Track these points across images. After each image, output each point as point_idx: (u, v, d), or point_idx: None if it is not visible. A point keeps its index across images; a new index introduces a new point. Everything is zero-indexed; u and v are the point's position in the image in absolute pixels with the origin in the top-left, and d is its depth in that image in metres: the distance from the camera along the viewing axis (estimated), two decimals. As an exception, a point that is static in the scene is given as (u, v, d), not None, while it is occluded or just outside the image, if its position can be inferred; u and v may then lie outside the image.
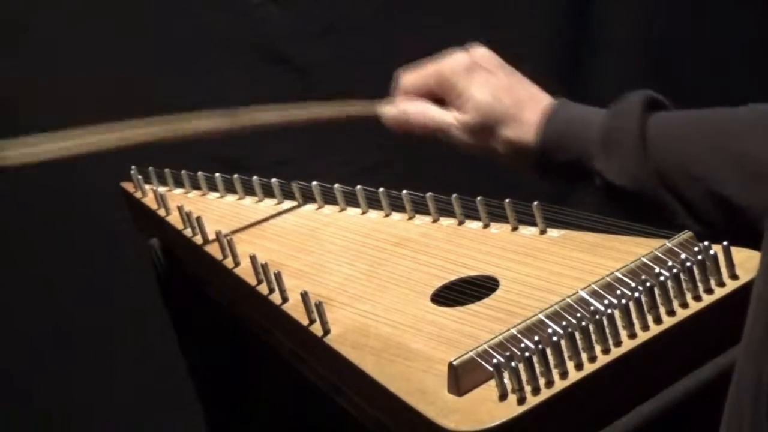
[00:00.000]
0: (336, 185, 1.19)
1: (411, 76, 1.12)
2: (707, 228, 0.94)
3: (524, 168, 1.07)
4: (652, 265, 0.89)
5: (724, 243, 0.89)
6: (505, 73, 1.09)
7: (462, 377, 0.82)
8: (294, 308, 1.00)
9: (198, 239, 1.16)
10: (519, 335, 0.84)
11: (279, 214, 1.21)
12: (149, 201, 1.26)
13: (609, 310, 0.84)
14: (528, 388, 0.81)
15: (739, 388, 0.63)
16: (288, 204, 1.23)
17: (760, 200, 0.88)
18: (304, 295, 0.97)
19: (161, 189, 1.27)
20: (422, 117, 1.09)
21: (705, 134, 0.95)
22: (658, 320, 0.85)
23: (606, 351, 0.83)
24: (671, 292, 0.86)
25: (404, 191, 1.14)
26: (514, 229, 1.06)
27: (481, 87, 1.07)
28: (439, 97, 1.10)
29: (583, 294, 0.87)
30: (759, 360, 0.61)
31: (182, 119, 1.11)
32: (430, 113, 1.09)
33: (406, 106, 1.10)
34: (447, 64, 1.10)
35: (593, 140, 1.01)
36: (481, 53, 1.10)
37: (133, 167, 1.29)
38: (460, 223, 1.10)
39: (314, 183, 1.21)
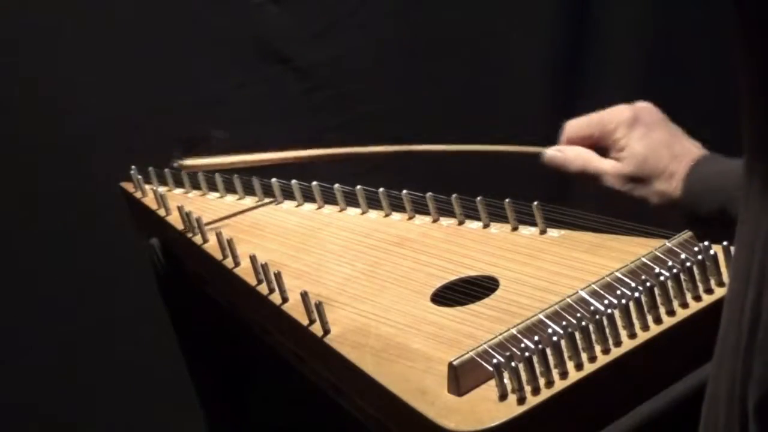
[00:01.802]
0: (336, 185, 1.19)
1: (576, 124, 1.18)
2: None
3: (676, 218, 1.10)
4: (652, 265, 0.89)
5: (724, 243, 0.89)
6: (665, 128, 1.14)
7: (462, 377, 0.82)
8: (294, 308, 1.00)
9: (198, 239, 1.16)
10: (519, 335, 0.84)
11: (279, 214, 1.21)
12: (149, 201, 1.26)
13: (609, 310, 0.84)
14: (528, 388, 0.81)
15: (714, 395, 0.64)
16: (288, 204, 1.23)
17: None
18: (304, 295, 0.97)
19: (161, 189, 1.27)
20: (581, 161, 1.15)
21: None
22: (658, 320, 0.85)
23: (606, 351, 0.83)
24: (671, 292, 0.86)
25: (404, 191, 1.14)
26: (514, 229, 1.06)
27: (640, 140, 1.12)
28: (600, 145, 1.16)
29: (583, 294, 0.87)
30: (733, 367, 0.61)
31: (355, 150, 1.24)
32: (589, 160, 1.15)
33: (567, 150, 1.16)
34: (611, 115, 1.16)
35: (735, 189, 1.03)
36: (643, 107, 1.15)
37: (133, 167, 1.29)
38: (460, 223, 1.10)
39: (314, 183, 1.21)
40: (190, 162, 1.22)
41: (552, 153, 1.17)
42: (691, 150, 1.12)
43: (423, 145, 1.24)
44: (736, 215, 1.01)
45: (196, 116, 1.52)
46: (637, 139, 1.13)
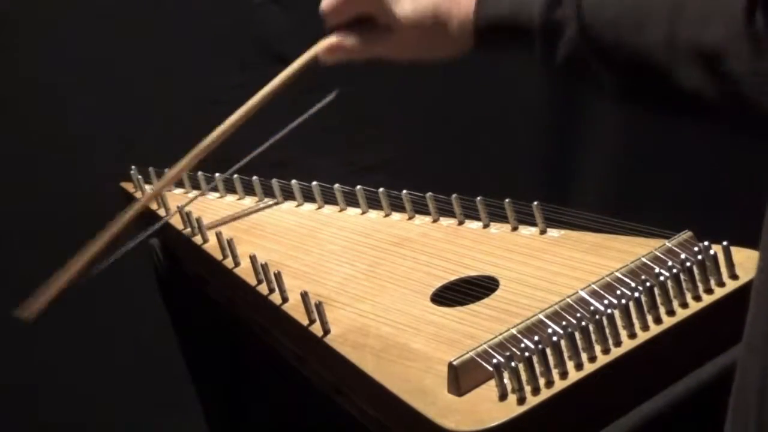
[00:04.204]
0: (336, 185, 1.19)
1: (333, 8, 1.07)
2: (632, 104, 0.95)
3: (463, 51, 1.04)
4: (652, 265, 0.89)
5: (724, 243, 0.89)
6: None
7: (462, 377, 0.82)
8: (294, 308, 1.00)
9: (198, 239, 1.16)
10: (519, 335, 0.84)
11: (279, 214, 1.21)
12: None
13: (609, 310, 0.84)
14: (528, 388, 0.81)
15: (743, 384, 0.63)
16: (288, 204, 1.23)
17: (711, 86, 0.88)
18: (304, 295, 0.97)
19: (161, 189, 1.27)
20: (359, 46, 1.06)
21: (655, 19, 0.95)
22: (658, 320, 0.85)
23: (606, 351, 0.83)
24: (671, 292, 0.86)
25: (404, 191, 1.14)
26: (514, 229, 1.06)
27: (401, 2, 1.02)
28: (368, 13, 1.06)
29: (583, 294, 0.87)
30: (764, 354, 0.61)
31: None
32: (370, 39, 1.06)
33: (345, 40, 1.07)
34: None
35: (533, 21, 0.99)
36: None
37: (133, 167, 1.29)
38: (460, 223, 1.10)
39: (314, 183, 1.21)
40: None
41: (331, 54, 1.07)
42: None
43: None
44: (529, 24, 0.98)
45: (196, 116, 1.51)
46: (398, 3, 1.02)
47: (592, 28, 0.94)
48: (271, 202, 1.24)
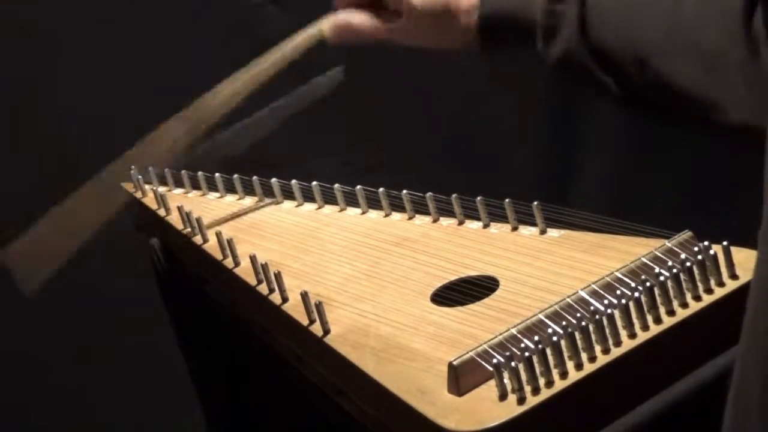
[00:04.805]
0: (336, 185, 1.19)
1: None
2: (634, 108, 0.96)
3: (467, 50, 1.05)
4: (652, 265, 0.89)
5: (724, 243, 0.89)
6: None
7: (462, 377, 0.82)
8: (294, 308, 1.00)
9: (198, 239, 1.16)
10: (519, 335, 0.84)
11: (279, 214, 1.21)
12: (149, 201, 1.26)
13: (609, 310, 0.84)
14: (528, 388, 0.81)
15: (743, 382, 0.63)
16: (288, 204, 1.23)
17: (708, 88, 0.88)
18: (304, 295, 0.97)
19: (161, 189, 1.27)
20: (367, 25, 1.07)
21: (655, 20, 0.95)
22: (658, 320, 0.85)
23: (606, 351, 0.83)
24: (671, 292, 0.86)
25: (404, 191, 1.14)
26: (514, 229, 1.06)
27: None
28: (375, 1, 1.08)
29: (583, 294, 0.87)
30: (766, 353, 0.61)
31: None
32: (373, 20, 1.07)
33: (349, 17, 1.07)
34: None
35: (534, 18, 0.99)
36: None
37: (133, 167, 1.29)
38: (460, 223, 1.10)
39: (314, 183, 1.21)
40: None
41: (338, 27, 1.07)
42: None
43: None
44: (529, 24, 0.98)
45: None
46: None
47: (591, 26, 0.94)
48: (271, 202, 1.24)
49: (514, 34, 1.00)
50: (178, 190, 1.29)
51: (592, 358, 0.83)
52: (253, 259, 1.06)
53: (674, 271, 0.87)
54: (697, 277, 0.87)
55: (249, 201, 1.25)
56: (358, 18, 1.07)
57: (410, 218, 1.14)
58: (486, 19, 1.02)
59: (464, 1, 1.03)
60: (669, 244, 0.92)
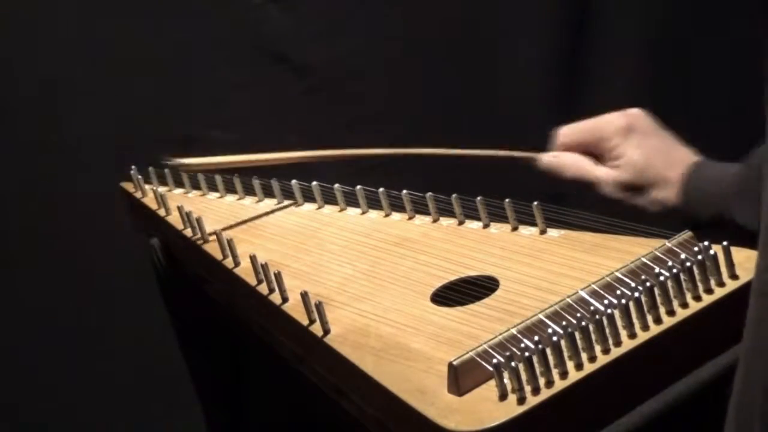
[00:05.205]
0: (336, 185, 1.19)
1: (570, 130, 1.19)
2: None
3: (674, 221, 1.10)
4: (652, 265, 0.89)
5: (724, 243, 0.89)
6: (659, 135, 1.15)
7: (462, 377, 0.82)
8: (294, 308, 1.00)
9: (198, 239, 1.16)
10: (519, 335, 0.84)
11: (279, 214, 1.21)
12: (149, 201, 1.26)
13: (609, 310, 0.84)
14: (528, 388, 0.81)
15: (747, 382, 0.63)
16: (288, 204, 1.23)
17: None
18: (304, 295, 0.97)
19: (161, 189, 1.27)
20: (577, 168, 1.16)
21: None
22: (658, 320, 0.85)
23: (606, 351, 0.83)
24: (671, 292, 0.86)
25: (404, 191, 1.14)
26: (514, 229, 1.06)
27: (637, 149, 1.13)
28: (594, 152, 1.16)
29: (583, 294, 0.87)
30: None
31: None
32: (585, 166, 1.16)
33: (563, 156, 1.17)
34: (605, 122, 1.16)
35: (730, 194, 1.05)
36: (637, 114, 1.15)
37: (133, 167, 1.29)
38: (460, 223, 1.10)
39: (314, 183, 1.21)
40: (188, 161, 1.22)
41: (548, 159, 1.18)
42: (685, 157, 1.13)
43: (420, 148, 1.24)
44: (731, 219, 1.03)
45: (196, 116, 1.52)
46: (633, 147, 1.13)
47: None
48: (271, 202, 1.24)
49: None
50: (178, 190, 1.29)
51: (592, 358, 0.83)
52: (253, 259, 1.06)
53: (674, 271, 0.87)
54: (697, 277, 0.87)
55: (249, 201, 1.24)
56: (568, 157, 1.17)
57: (410, 218, 1.14)
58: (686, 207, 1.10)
59: (673, 176, 1.11)
60: (669, 244, 0.92)
